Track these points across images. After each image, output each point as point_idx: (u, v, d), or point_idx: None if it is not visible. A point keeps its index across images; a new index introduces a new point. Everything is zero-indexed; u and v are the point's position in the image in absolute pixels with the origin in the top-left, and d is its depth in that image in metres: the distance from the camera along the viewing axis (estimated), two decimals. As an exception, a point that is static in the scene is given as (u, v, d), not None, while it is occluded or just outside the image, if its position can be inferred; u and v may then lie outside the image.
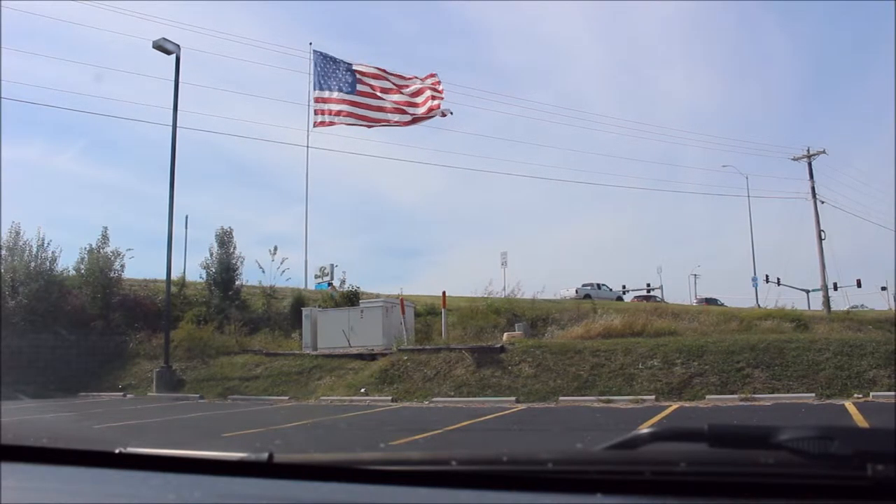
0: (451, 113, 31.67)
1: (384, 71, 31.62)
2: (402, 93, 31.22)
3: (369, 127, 31.55)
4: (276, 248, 27.67)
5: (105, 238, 26.92)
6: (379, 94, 31.05)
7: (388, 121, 31.12)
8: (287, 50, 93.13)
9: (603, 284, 46.70)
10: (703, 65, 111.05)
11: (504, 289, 28.07)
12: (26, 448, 1.74)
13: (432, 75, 31.62)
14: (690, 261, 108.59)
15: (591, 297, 37.54)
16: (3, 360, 21.70)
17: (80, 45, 72.06)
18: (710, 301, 50.01)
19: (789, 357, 15.46)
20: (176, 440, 11.16)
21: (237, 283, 28.09)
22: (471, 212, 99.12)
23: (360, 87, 30.95)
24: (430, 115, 31.06)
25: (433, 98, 30.88)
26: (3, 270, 25.16)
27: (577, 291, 42.20)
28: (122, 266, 27.07)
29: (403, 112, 30.93)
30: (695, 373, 15.58)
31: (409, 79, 31.76)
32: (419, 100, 31.06)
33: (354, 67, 31.26)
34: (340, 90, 31.03)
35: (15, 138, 69.86)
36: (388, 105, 31.07)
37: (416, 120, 31.25)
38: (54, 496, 1.51)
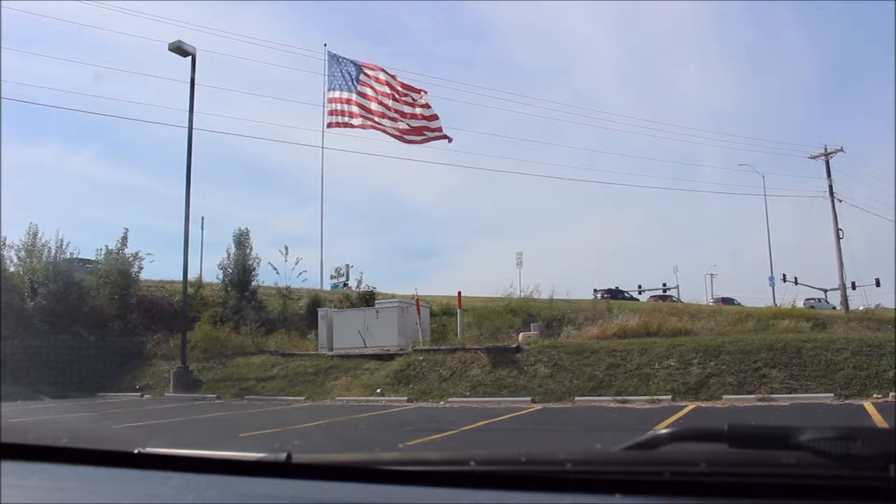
0: (450, 140, 29.68)
1: (389, 74, 30.33)
2: (399, 103, 29.53)
3: (364, 128, 30.28)
4: (287, 249, 27.88)
5: (125, 239, 27.13)
6: (379, 97, 29.80)
7: (381, 126, 29.77)
8: (302, 51, 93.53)
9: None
10: (719, 63, 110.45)
11: (519, 290, 28.04)
12: (48, 448, 1.75)
13: (424, 91, 29.75)
14: (707, 260, 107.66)
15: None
16: (24, 361, 21.98)
17: (92, 47, 72.74)
18: (727, 301, 49.86)
19: (807, 357, 15.29)
20: (194, 440, 11.22)
21: (253, 283, 28.25)
22: (486, 212, 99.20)
23: (360, 88, 30.17)
24: (426, 139, 29.45)
25: (426, 129, 29.17)
26: (22, 272, 25.41)
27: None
28: (140, 268, 27.31)
29: (397, 121, 29.28)
30: (711, 373, 15.46)
31: (413, 93, 29.84)
32: (414, 122, 29.24)
33: (362, 68, 30.57)
34: (349, 90, 30.56)
35: (30, 141, 70.70)
36: (383, 111, 29.54)
37: (409, 140, 29.61)
38: (75, 496, 1.52)
